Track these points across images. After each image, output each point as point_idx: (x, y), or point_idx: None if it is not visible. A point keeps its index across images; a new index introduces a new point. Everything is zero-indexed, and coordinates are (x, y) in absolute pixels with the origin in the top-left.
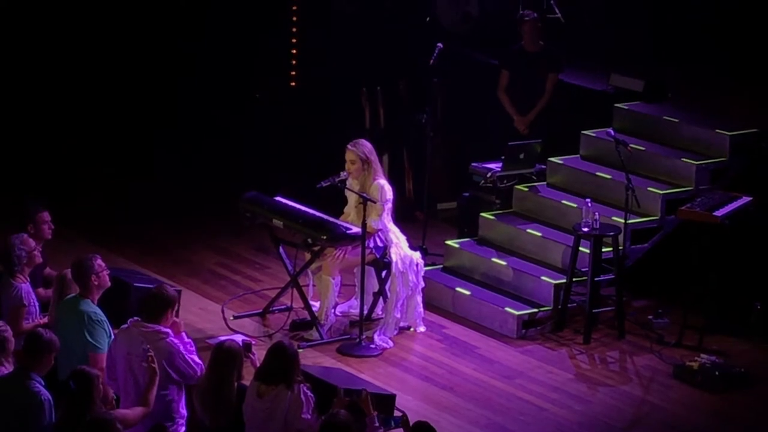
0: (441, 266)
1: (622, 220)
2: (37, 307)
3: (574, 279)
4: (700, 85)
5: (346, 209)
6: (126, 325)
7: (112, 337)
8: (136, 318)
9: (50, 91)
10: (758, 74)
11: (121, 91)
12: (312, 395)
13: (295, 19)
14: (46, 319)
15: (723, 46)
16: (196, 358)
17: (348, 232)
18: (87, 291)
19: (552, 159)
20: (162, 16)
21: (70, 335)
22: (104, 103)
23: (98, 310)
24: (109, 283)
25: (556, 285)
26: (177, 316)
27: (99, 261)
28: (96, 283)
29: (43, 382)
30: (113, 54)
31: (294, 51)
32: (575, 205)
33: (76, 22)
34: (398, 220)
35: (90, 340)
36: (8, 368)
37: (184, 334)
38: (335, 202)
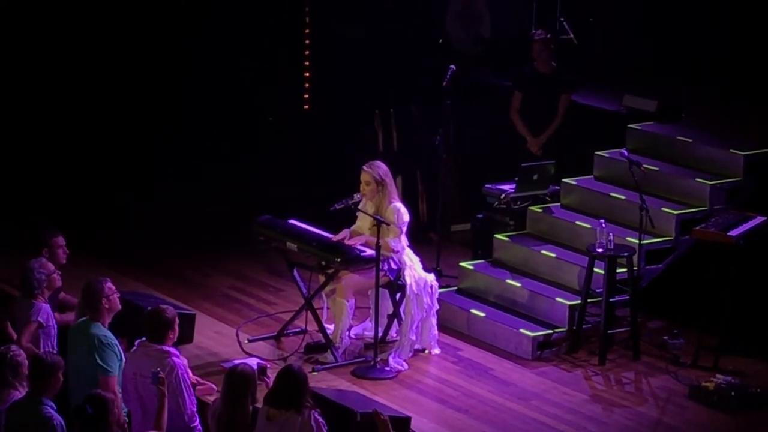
0: (455, 288)
1: (637, 241)
2: (56, 330)
3: (588, 300)
4: (714, 105)
5: (355, 227)
6: (134, 348)
7: (123, 360)
8: (143, 338)
9: (51, 108)
10: None
11: (129, 109)
12: (323, 421)
13: (307, 42)
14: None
15: (736, 66)
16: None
17: (362, 254)
18: (97, 314)
19: (565, 180)
20: (168, 52)
21: (80, 358)
22: (112, 123)
23: (108, 333)
24: (119, 307)
25: (570, 306)
26: (192, 340)
27: (109, 284)
28: (106, 306)
29: (54, 407)
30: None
31: (307, 74)
32: (589, 226)
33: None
34: (412, 242)
35: (100, 363)
36: (22, 392)
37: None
38: (349, 225)
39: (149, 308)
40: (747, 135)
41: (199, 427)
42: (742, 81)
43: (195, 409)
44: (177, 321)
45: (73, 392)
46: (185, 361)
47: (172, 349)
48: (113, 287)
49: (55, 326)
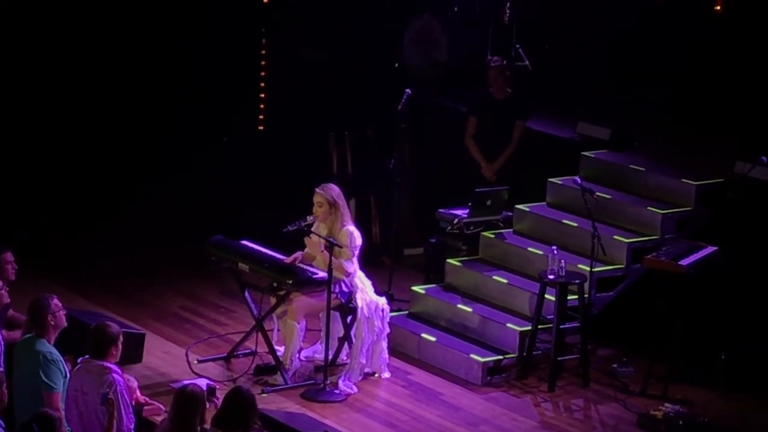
0: (407, 312)
1: (588, 268)
2: (3, 347)
3: (539, 326)
4: (667, 135)
5: (308, 250)
6: (78, 365)
7: (68, 376)
8: (86, 356)
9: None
10: (723, 125)
11: (81, 135)
12: None
13: (263, 63)
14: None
15: (690, 96)
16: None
17: (314, 276)
18: (43, 331)
19: (519, 206)
20: (127, 69)
21: (25, 375)
22: (63, 148)
23: (54, 350)
24: (65, 323)
25: (521, 332)
26: (141, 360)
27: (56, 301)
28: (52, 323)
29: (2, 424)
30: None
31: (262, 95)
32: (541, 253)
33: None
34: (364, 265)
35: (45, 380)
36: None
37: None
38: (301, 247)
39: (94, 324)
40: (699, 165)
41: None
42: (695, 111)
43: (132, 427)
44: (121, 338)
45: (19, 409)
46: (134, 383)
47: (113, 366)
48: (60, 304)
49: (2, 343)
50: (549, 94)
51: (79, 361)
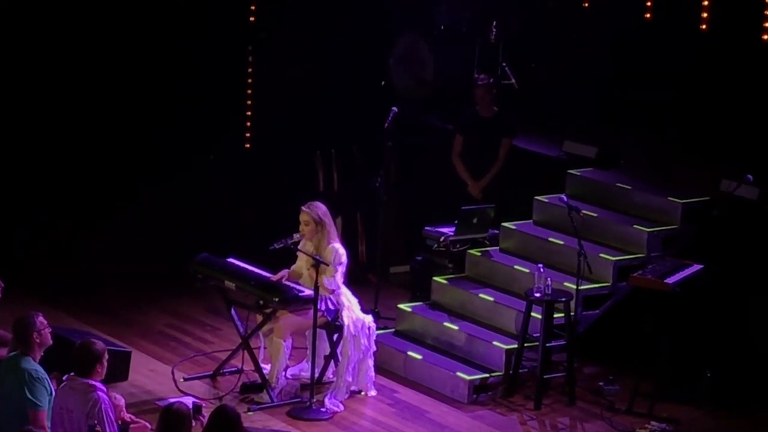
0: (393, 330)
1: (574, 286)
2: None
3: (525, 344)
4: (653, 153)
5: (294, 267)
6: (63, 383)
7: (53, 394)
8: (71, 374)
9: None
10: (709, 144)
11: (65, 147)
12: None
13: (250, 81)
14: None
15: (676, 115)
16: None
17: (300, 294)
18: (28, 348)
19: (505, 224)
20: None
21: (10, 393)
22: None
23: (39, 368)
24: (50, 341)
25: (507, 350)
26: (127, 378)
27: (41, 318)
28: (38, 340)
29: None
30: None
31: (249, 113)
32: (527, 271)
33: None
34: (351, 283)
35: (30, 397)
36: None
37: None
38: (288, 264)
39: (79, 342)
40: (685, 183)
41: None
42: (681, 130)
43: None
44: (106, 356)
45: (4, 427)
46: (122, 402)
47: (98, 384)
48: (45, 321)
49: None
50: (535, 113)
51: (64, 378)
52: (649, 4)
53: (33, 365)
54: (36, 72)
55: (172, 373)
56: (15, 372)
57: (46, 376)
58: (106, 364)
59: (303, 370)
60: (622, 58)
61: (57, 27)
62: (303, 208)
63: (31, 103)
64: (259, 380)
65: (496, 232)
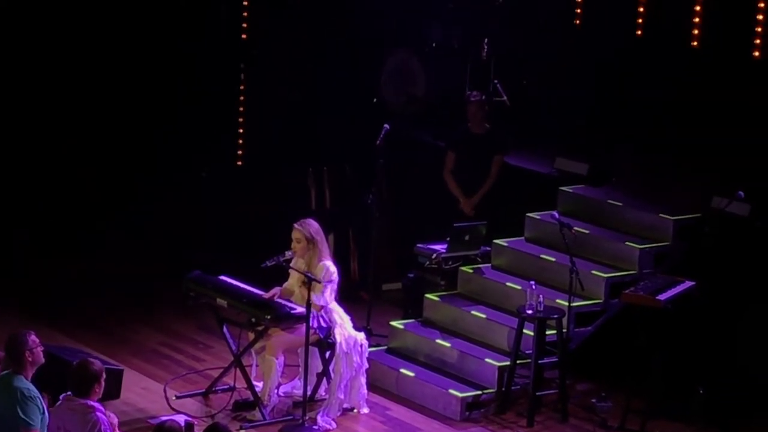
0: (385, 347)
1: (566, 303)
2: None
3: (518, 361)
4: (644, 170)
5: (286, 285)
6: (59, 402)
7: (46, 414)
8: (68, 393)
9: None
10: (703, 159)
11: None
12: None
13: (242, 98)
14: None
15: (667, 132)
16: None
17: (292, 312)
18: (20, 367)
19: (497, 241)
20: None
21: (2, 411)
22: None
23: (31, 387)
24: (43, 360)
25: (500, 367)
26: (119, 396)
27: (33, 337)
28: (30, 359)
29: None
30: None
31: (241, 130)
32: (519, 288)
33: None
34: (343, 300)
35: (22, 416)
36: None
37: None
38: (280, 282)
39: (76, 361)
40: (676, 200)
41: None
42: (673, 147)
43: None
44: (104, 375)
45: None
46: (115, 420)
47: (97, 404)
48: (37, 340)
49: None
50: (527, 130)
51: (60, 397)
52: (640, 21)
53: (25, 384)
54: (36, 72)
55: (165, 390)
56: (7, 391)
57: (39, 394)
58: (104, 384)
59: (295, 388)
60: (613, 75)
61: (57, 27)
62: (295, 225)
63: (31, 103)
64: (252, 398)
65: (488, 249)
